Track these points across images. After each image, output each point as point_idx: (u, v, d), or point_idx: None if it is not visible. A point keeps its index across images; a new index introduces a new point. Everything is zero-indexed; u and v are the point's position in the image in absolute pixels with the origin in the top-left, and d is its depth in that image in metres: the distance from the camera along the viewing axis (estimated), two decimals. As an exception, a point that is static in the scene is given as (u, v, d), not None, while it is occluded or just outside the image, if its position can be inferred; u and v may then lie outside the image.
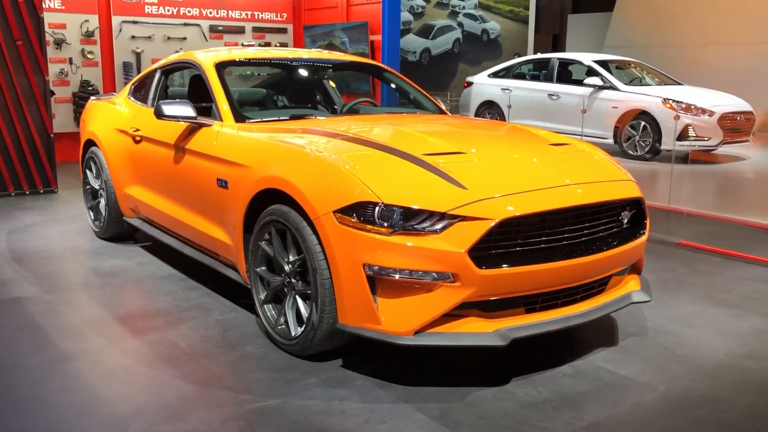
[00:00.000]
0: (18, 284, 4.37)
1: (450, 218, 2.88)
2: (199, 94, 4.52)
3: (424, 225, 2.89)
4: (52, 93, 9.34)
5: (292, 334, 3.29)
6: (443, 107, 5.00)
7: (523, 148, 3.67)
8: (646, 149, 9.81)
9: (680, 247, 5.47)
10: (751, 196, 8.37)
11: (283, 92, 5.38)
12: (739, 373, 3.25)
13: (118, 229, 5.33)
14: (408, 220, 2.90)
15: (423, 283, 2.89)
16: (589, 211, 3.19)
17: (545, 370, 3.22)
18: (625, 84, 10.41)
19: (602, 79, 10.37)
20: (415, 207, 2.90)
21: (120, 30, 9.88)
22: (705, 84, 11.30)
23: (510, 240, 2.97)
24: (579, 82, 10.68)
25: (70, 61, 9.52)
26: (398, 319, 2.91)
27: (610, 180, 3.45)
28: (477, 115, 12.02)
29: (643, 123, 9.83)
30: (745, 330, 3.77)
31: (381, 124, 4.10)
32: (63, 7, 9.39)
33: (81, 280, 4.50)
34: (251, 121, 4.02)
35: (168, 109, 4.03)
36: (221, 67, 4.36)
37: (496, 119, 11.64)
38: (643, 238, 3.50)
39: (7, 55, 6.94)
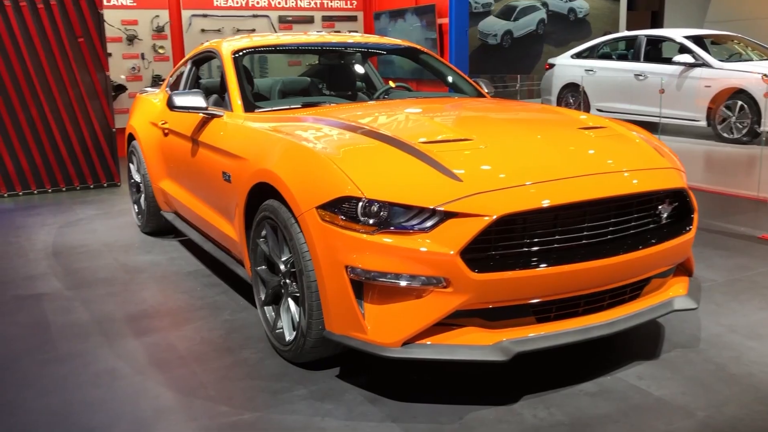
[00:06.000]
0: (46, 280, 4.37)
1: (441, 215, 2.53)
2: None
3: (413, 222, 2.56)
4: (125, 88, 9.58)
5: (287, 340, 3.04)
6: (483, 90, 4.59)
7: (546, 133, 3.22)
8: (744, 132, 8.87)
9: (762, 241, 4.80)
10: None
11: (324, 80, 5.14)
12: (803, 397, 2.71)
13: (157, 223, 5.27)
14: (394, 217, 2.57)
15: (411, 288, 2.55)
16: (614, 205, 2.74)
17: (565, 387, 2.81)
18: (723, 60, 9.46)
19: (694, 56, 9.47)
20: (401, 202, 2.56)
21: (190, 24, 9.97)
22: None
23: (514, 239, 2.59)
24: (670, 61, 9.83)
25: (142, 56, 9.69)
26: (385, 328, 2.60)
27: (646, 168, 2.96)
28: (559, 98, 11.35)
29: (740, 103, 8.90)
30: (821, 343, 3.18)
31: (394, 111, 3.75)
32: (134, 4, 9.56)
33: (107, 276, 4.44)
34: (260, 110, 3.79)
35: (179, 100, 3.87)
36: (238, 54, 4.16)
37: (579, 102, 10.95)
38: (689, 234, 3.00)
39: (70, 53, 7.08)
